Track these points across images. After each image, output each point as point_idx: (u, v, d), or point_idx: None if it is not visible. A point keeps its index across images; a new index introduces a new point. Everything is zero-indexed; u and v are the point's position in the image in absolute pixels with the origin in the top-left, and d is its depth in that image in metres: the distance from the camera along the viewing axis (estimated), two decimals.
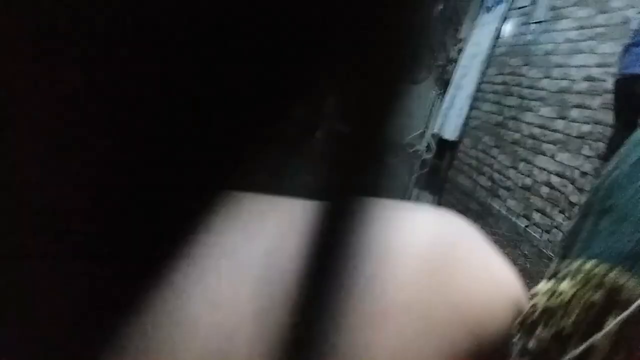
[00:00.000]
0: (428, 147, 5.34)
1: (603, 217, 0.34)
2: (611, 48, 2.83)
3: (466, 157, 4.55)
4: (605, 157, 2.42)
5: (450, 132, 4.79)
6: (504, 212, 3.54)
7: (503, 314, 0.25)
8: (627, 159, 0.35)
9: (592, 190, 0.38)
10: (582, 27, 3.27)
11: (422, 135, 5.30)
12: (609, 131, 2.48)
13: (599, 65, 2.94)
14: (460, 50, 5.17)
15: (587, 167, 2.73)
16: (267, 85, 0.13)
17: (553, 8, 3.74)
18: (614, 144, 1.99)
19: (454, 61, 5.09)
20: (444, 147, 5.00)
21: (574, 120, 3.04)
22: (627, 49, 1.89)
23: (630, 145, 0.36)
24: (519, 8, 4.33)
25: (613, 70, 2.70)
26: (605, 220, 0.34)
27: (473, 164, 4.36)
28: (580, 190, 2.72)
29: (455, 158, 4.76)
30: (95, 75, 0.10)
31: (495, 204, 3.72)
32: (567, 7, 3.55)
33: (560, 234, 2.72)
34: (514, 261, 2.89)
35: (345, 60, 0.15)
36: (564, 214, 2.80)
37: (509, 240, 3.24)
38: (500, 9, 4.51)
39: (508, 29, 4.37)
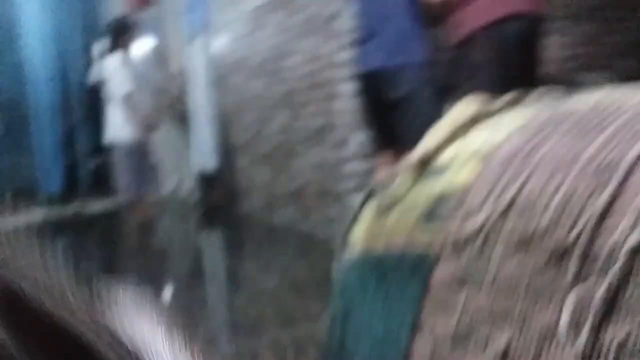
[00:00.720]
0: (192, 190, 5.28)
1: None
2: (316, 43, 3.11)
3: (232, 183, 4.61)
4: None
5: (207, 165, 4.80)
6: (287, 222, 3.69)
7: None
8: (333, 334, 0.35)
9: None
10: (282, 31, 3.54)
11: (180, 181, 5.18)
12: None
13: (311, 61, 3.22)
14: (179, 85, 5.17)
15: None
16: None
17: (250, 20, 3.97)
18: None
19: (177, 97, 5.06)
20: (207, 183, 4.99)
21: (307, 117, 3.29)
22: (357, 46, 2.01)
23: (331, 319, 0.36)
24: (220, 28, 4.50)
25: (324, 62, 3.00)
26: None
27: (241, 188, 4.43)
28: None
29: (222, 188, 4.80)
30: None
31: (277, 219, 3.85)
32: (263, 15, 3.80)
33: None
34: None
35: None
36: None
37: None
38: (203, 34, 4.63)
39: (217, 50, 4.51)
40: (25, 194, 5.80)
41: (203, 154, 4.60)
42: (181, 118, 4.92)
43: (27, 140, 5.49)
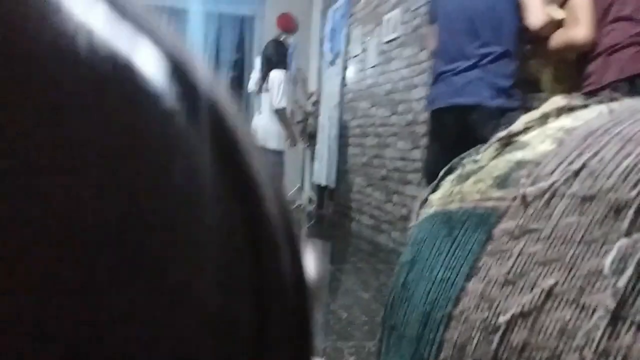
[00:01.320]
0: (310, 200, 5.46)
1: (390, 334, 0.37)
2: None
3: (346, 200, 4.71)
4: None
5: (327, 180, 4.96)
6: (391, 245, 3.68)
7: None
8: (399, 278, 0.38)
9: (385, 305, 0.40)
10: (411, 65, 3.60)
11: (300, 189, 5.41)
12: None
13: None
14: (314, 103, 5.43)
15: None
16: None
17: (382, 52, 4.10)
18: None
19: (311, 114, 5.32)
20: (324, 196, 5.14)
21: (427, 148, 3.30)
22: (431, 85, 2.10)
23: (400, 266, 0.39)
24: (355, 56, 4.68)
25: None
26: (392, 337, 0.36)
27: (353, 206, 4.52)
28: None
29: (336, 204, 4.91)
30: None
31: (382, 239, 3.86)
32: (393, 49, 3.90)
33: None
34: None
35: None
36: None
37: None
38: (340, 61, 4.85)
39: (350, 76, 4.69)
40: None
41: (324, 169, 4.78)
42: (310, 134, 5.17)
43: None
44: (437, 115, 1.95)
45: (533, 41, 1.85)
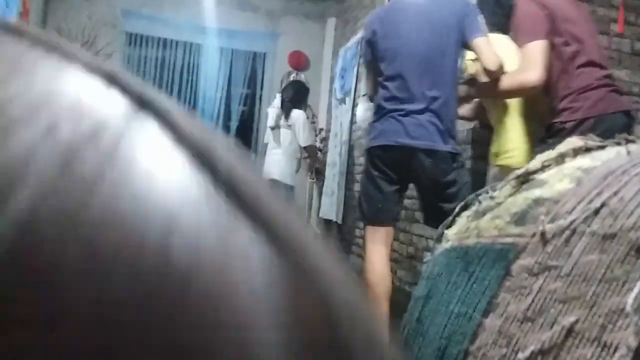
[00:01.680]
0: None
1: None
2: None
3: (351, 237, 4.69)
4: None
5: (333, 215, 4.95)
6: (397, 283, 3.64)
7: None
8: (414, 312, 0.38)
9: (398, 340, 0.40)
10: None
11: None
12: None
13: None
14: (323, 140, 5.48)
15: None
16: None
17: None
18: None
19: (319, 150, 5.36)
20: (329, 231, 5.13)
21: None
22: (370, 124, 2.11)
23: (414, 300, 0.39)
24: (364, 95, 4.74)
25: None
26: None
27: (359, 242, 4.49)
28: None
29: (342, 239, 4.89)
30: None
31: None
32: None
33: None
34: None
35: None
36: None
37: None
38: (349, 99, 4.92)
39: (359, 114, 4.75)
40: None
41: (332, 204, 4.80)
42: (317, 170, 5.20)
43: None
44: (380, 152, 1.96)
45: (470, 84, 2.01)
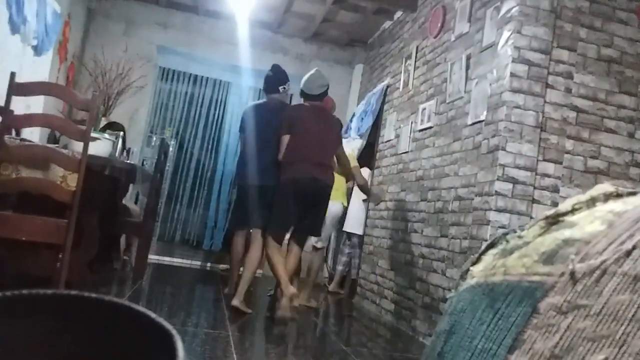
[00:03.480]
0: (329, 279, 5.39)
1: None
2: (470, 170, 3.17)
3: (367, 282, 4.62)
4: None
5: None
6: (410, 332, 3.55)
7: None
8: (435, 347, 0.38)
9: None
10: (443, 154, 3.65)
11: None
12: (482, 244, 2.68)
13: (463, 186, 3.25)
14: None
15: None
16: None
17: (415, 139, 4.18)
18: None
19: None
20: (345, 276, 5.07)
21: (454, 237, 3.26)
22: None
23: (436, 335, 0.39)
24: (387, 141, 4.78)
25: (476, 189, 3.01)
26: None
27: (375, 289, 4.42)
28: None
29: (357, 285, 4.82)
30: None
31: (402, 326, 3.73)
32: (427, 137, 3.98)
33: None
34: None
35: None
36: None
37: None
38: (364, 141, 4.96)
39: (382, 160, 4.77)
40: (192, 244, 6.58)
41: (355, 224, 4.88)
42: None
43: (209, 201, 6.37)
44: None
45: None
